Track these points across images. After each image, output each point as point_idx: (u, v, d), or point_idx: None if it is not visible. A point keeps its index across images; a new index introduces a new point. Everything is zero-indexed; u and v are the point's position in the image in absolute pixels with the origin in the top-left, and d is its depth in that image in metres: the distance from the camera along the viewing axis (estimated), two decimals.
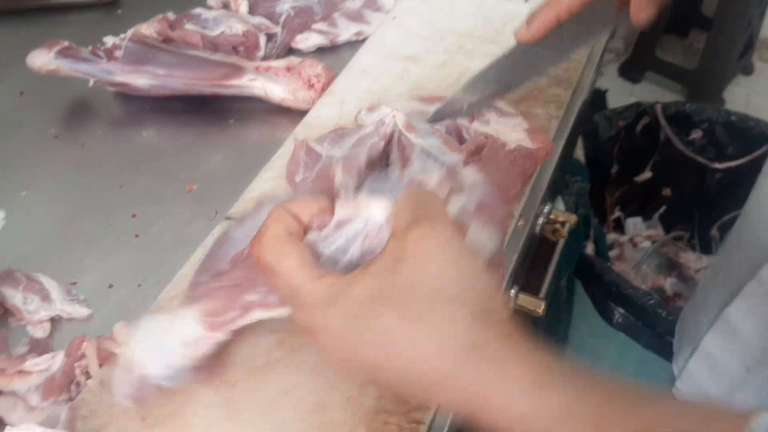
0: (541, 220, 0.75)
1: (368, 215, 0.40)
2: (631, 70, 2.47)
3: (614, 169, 1.50)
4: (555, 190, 1.04)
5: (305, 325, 0.39)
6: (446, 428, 0.47)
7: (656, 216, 1.59)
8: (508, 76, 0.58)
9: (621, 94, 2.48)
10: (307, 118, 0.67)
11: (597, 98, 2.20)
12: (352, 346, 0.37)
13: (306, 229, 0.41)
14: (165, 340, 0.42)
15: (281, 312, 0.42)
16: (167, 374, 0.42)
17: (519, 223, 0.61)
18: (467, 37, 0.73)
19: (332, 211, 0.41)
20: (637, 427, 0.34)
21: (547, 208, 0.78)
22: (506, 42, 0.74)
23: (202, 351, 0.42)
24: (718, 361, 0.72)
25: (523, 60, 0.57)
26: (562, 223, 0.80)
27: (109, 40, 0.68)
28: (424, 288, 0.36)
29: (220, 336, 0.41)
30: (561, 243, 0.85)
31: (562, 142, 0.68)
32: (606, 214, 1.58)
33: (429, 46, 0.72)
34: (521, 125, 0.60)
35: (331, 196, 0.43)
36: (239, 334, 0.43)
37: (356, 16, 0.79)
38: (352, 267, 0.39)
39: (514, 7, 0.77)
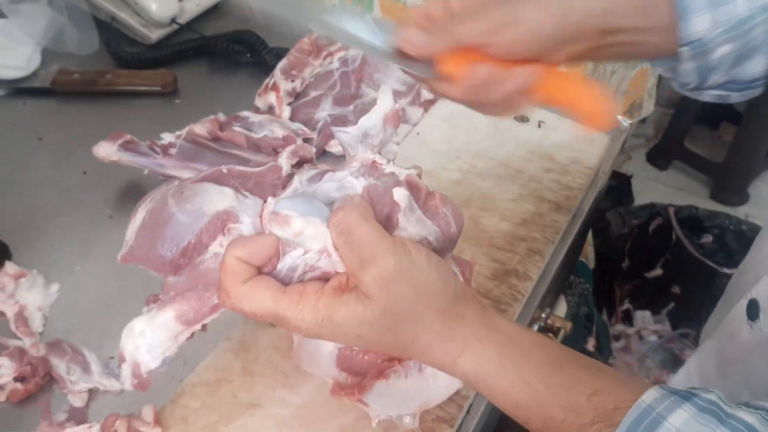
0: (536, 327, 0.81)
1: (305, 243, 0.47)
2: (658, 157, 2.49)
3: (625, 264, 1.56)
4: (557, 292, 1.11)
5: (307, 336, 0.46)
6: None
7: (665, 312, 1.64)
8: None
9: (646, 180, 2.49)
10: None
11: (622, 182, 2.25)
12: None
13: (258, 269, 0.46)
14: (156, 337, 0.53)
15: None
16: (162, 363, 0.54)
17: None
18: (479, 158, 0.81)
19: (275, 246, 0.47)
20: (556, 383, 0.43)
21: (544, 314, 0.85)
22: (515, 165, 0.82)
23: (183, 339, 0.54)
24: None
25: None
26: (557, 330, 0.86)
27: (167, 137, 0.78)
28: (391, 313, 0.45)
29: (196, 327, 0.53)
30: None
31: (557, 263, 0.76)
32: (615, 306, 1.63)
33: (445, 163, 0.81)
34: None
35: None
36: None
37: None
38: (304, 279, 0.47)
39: (528, 133, 0.85)
